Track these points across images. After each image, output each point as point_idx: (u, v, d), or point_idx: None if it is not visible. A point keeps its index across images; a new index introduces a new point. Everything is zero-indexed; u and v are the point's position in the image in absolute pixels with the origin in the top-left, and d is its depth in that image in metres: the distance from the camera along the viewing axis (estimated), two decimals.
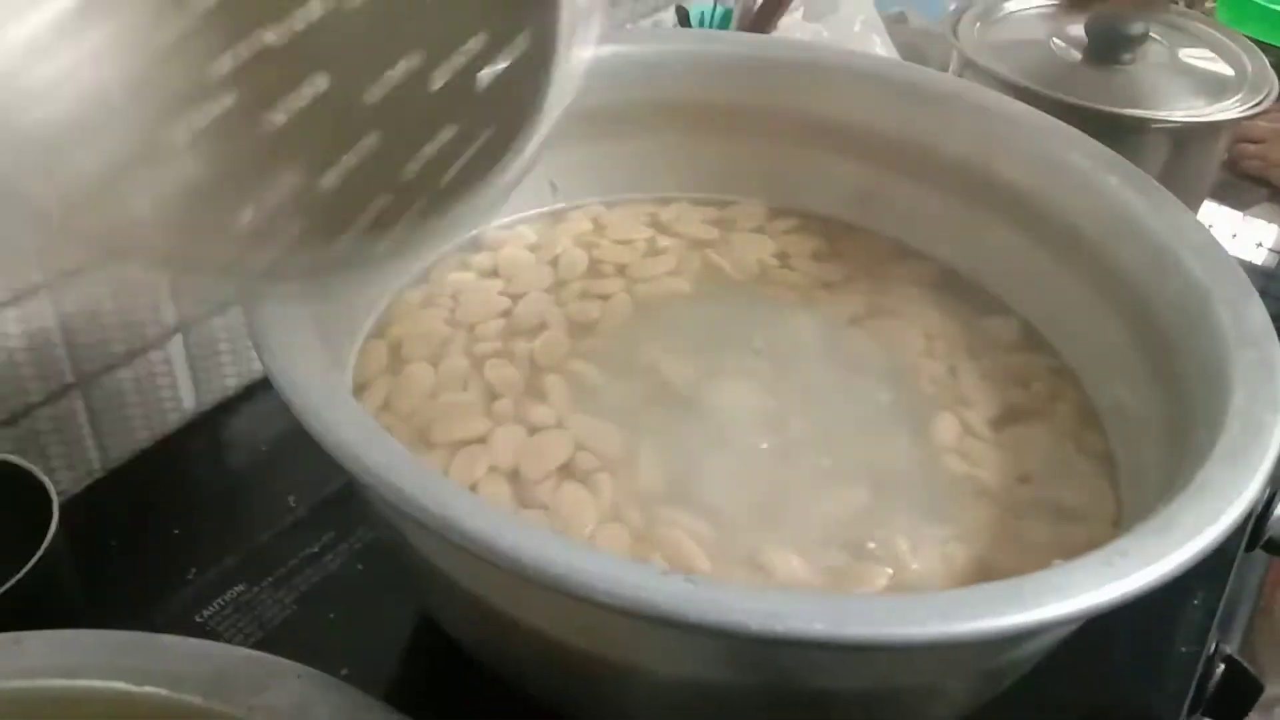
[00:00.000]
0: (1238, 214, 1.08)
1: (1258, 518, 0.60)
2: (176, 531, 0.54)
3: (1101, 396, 0.43)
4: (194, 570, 0.51)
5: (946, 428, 0.42)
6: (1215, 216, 1.08)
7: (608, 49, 0.49)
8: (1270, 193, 1.06)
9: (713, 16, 0.88)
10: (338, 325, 0.39)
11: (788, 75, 0.49)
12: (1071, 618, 0.26)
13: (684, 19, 0.85)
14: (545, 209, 0.51)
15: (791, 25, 0.98)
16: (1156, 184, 0.43)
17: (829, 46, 0.50)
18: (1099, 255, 0.43)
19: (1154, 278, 0.40)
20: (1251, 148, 1.01)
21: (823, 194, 0.51)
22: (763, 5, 0.90)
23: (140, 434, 0.60)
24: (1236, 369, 0.34)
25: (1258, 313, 0.37)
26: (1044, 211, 0.46)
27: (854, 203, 0.50)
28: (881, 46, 1.01)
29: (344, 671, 0.44)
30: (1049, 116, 0.46)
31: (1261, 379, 0.34)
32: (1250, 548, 0.60)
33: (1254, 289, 0.38)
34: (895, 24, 1.04)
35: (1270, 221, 1.07)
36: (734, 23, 0.90)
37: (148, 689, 0.31)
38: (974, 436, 0.42)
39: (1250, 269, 0.81)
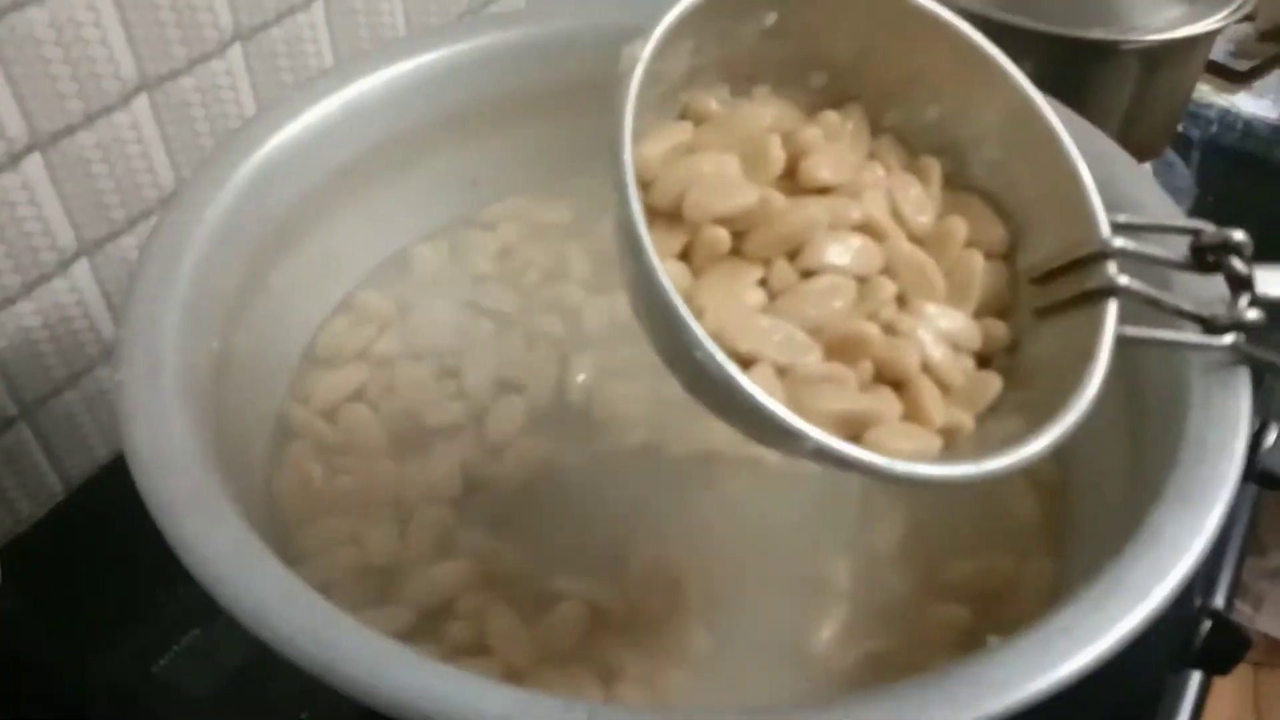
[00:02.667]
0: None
1: (1248, 448, 0.58)
2: (142, 547, 0.53)
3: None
4: (161, 589, 0.50)
5: None
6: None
7: (513, 31, 0.45)
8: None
9: None
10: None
11: None
12: (1008, 712, 0.24)
13: None
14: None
15: None
16: (1120, 150, 0.39)
17: None
18: None
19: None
20: None
21: None
22: None
23: (99, 450, 0.59)
24: (1194, 372, 0.32)
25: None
26: None
27: None
28: None
29: (304, 715, 0.44)
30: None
31: (1221, 389, 0.31)
32: (1244, 480, 0.58)
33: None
34: None
35: None
36: None
37: None
38: None
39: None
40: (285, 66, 0.59)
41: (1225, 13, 0.58)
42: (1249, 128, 0.77)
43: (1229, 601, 0.56)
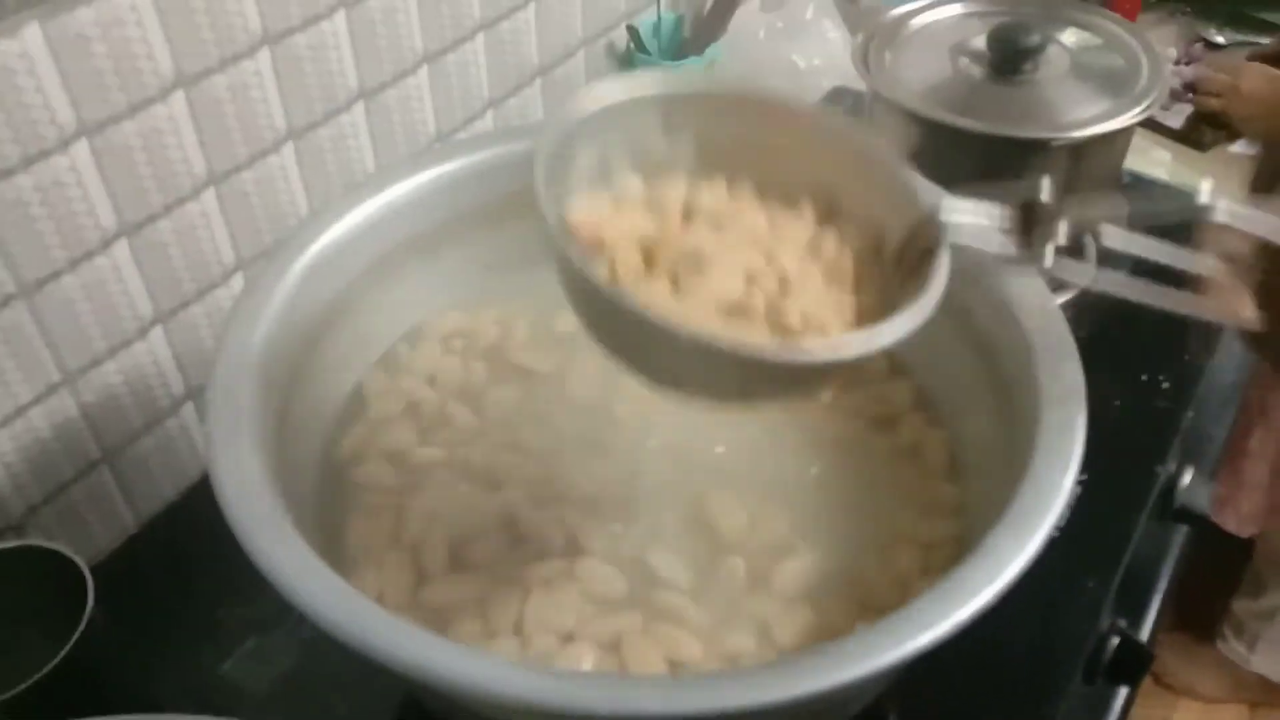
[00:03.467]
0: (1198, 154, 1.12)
1: (1164, 489, 0.65)
2: (204, 574, 0.61)
3: (961, 427, 0.49)
4: (222, 610, 0.59)
5: None
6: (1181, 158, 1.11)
7: (521, 144, 0.54)
8: (1229, 134, 1.10)
9: (659, 28, 0.92)
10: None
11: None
12: (864, 680, 0.33)
13: (635, 37, 0.90)
14: None
15: (747, 17, 1.02)
16: None
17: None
18: (952, 296, 0.43)
19: (996, 327, 0.46)
20: (1214, 101, 1.04)
21: None
22: (715, 4, 0.94)
23: (166, 490, 0.68)
24: (1042, 428, 0.40)
25: (1072, 373, 0.42)
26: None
27: None
28: (834, 29, 1.05)
29: (342, 709, 0.53)
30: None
31: (1060, 440, 0.39)
32: (1161, 517, 0.65)
33: (1075, 348, 0.43)
34: (847, 4, 1.07)
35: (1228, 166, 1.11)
36: (686, 28, 0.95)
37: None
38: None
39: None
40: (330, 160, 0.69)
41: (1140, 108, 0.66)
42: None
43: (1155, 630, 0.62)
